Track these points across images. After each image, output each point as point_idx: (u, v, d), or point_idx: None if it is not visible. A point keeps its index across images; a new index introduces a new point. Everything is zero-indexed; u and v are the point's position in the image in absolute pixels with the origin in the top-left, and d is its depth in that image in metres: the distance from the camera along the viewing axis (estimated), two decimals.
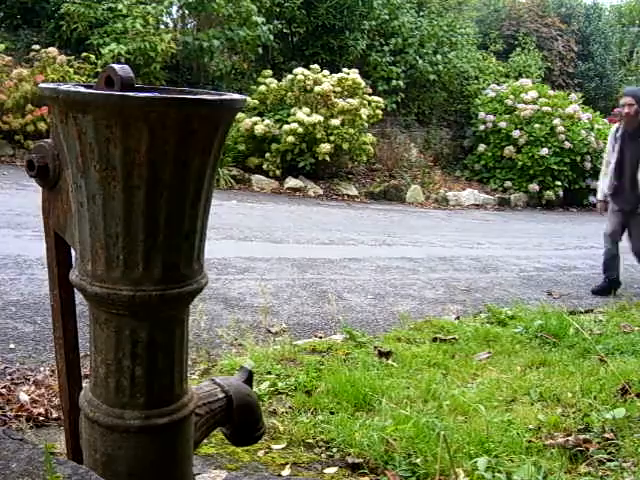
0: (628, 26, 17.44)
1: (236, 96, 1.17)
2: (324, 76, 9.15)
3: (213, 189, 1.24)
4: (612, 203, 5.40)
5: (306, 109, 8.80)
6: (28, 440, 1.37)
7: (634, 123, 5.16)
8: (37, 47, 8.07)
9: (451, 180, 11.28)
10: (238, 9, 8.97)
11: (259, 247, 5.59)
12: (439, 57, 11.31)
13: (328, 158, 8.91)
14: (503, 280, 5.44)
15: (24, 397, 2.36)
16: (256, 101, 9.17)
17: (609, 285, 5.36)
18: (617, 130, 5.38)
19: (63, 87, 1.09)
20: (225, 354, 3.04)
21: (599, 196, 5.57)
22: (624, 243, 5.39)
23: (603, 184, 5.48)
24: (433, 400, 2.51)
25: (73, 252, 1.29)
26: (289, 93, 9.11)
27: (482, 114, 11.33)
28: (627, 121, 5.20)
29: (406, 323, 3.75)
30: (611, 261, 5.42)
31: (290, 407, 2.44)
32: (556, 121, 10.80)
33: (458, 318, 4.00)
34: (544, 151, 10.59)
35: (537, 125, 10.79)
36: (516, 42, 13.64)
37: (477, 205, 10.46)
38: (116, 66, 1.10)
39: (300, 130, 8.57)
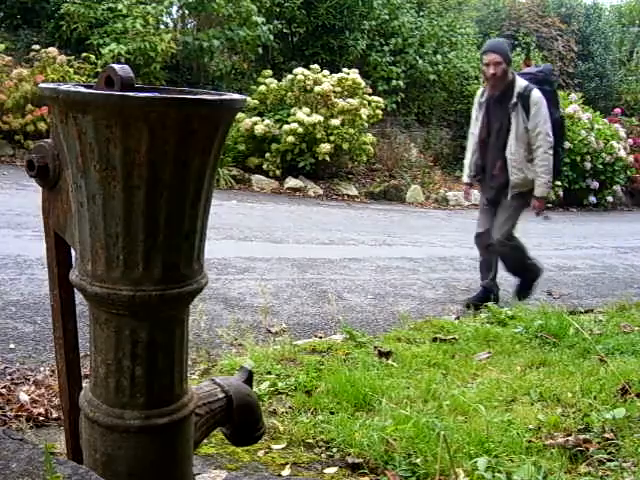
0: (628, 26, 17.44)
1: (236, 96, 1.17)
2: (324, 76, 9.15)
3: (213, 189, 1.24)
4: (481, 195, 4.53)
5: (306, 109, 8.80)
6: (28, 440, 1.37)
7: (501, 86, 4.14)
8: (37, 47, 8.07)
9: (451, 180, 11.28)
10: (238, 9, 8.97)
11: (259, 247, 5.59)
12: (439, 57, 11.31)
13: (328, 158, 8.91)
14: (503, 280, 5.42)
15: (24, 397, 2.36)
16: (256, 101, 9.17)
17: (484, 294, 4.48)
18: (482, 94, 4.35)
19: (63, 87, 1.09)
20: (225, 354, 3.04)
21: (464, 178, 4.63)
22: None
23: (469, 162, 4.51)
24: (433, 400, 2.51)
25: (73, 252, 1.29)
26: (289, 93, 9.11)
27: None
28: (493, 84, 4.16)
29: (406, 323, 3.75)
30: (483, 265, 4.62)
31: (290, 407, 2.44)
32: None
33: (458, 318, 4.00)
34: None
35: None
36: (516, 42, 13.64)
37: (477, 205, 10.46)
38: (116, 66, 1.10)
39: (300, 130, 8.57)
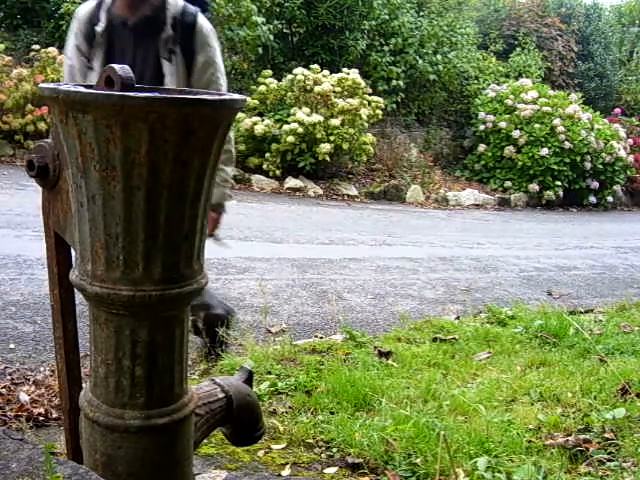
0: (628, 26, 17.44)
1: (236, 96, 1.17)
2: (324, 76, 9.14)
3: (213, 189, 1.24)
4: None
5: (306, 109, 8.80)
6: (28, 440, 1.37)
7: (145, 8, 2.29)
8: (37, 47, 8.07)
9: (451, 180, 11.28)
10: (238, 9, 8.97)
11: (259, 247, 5.59)
12: (439, 57, 11.31)
13: (328, 158, 8.90)
14: (503, 280, 5.43)
15: (24, 397, 2.37)
16: (256, 101, 9.16)
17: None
18: (96, 15, 2.31)
19: (63, 87, 1.09)
20: (225, 354, 3.04)
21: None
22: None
23: None
24: (433, 400, 2.51)
25: (73, 252, 1.29)
26: (289, 93, 9.10)
27: (482, 114, 11.32)
28: (130, 3, 2.29)
29: (406, 323, 3.75)
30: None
31: (290, 407, 2.44)
32: (556, 121, 10.80)
33: (458, 318, 4.00)
34: (544, 151, 10.59)
35: (537, 125, 10.79)
36: (516, 42, 13.63)
37: (477, 205, 10.46)
38: (116, 66, 1.09)
39: (300, 130, 8.57)
